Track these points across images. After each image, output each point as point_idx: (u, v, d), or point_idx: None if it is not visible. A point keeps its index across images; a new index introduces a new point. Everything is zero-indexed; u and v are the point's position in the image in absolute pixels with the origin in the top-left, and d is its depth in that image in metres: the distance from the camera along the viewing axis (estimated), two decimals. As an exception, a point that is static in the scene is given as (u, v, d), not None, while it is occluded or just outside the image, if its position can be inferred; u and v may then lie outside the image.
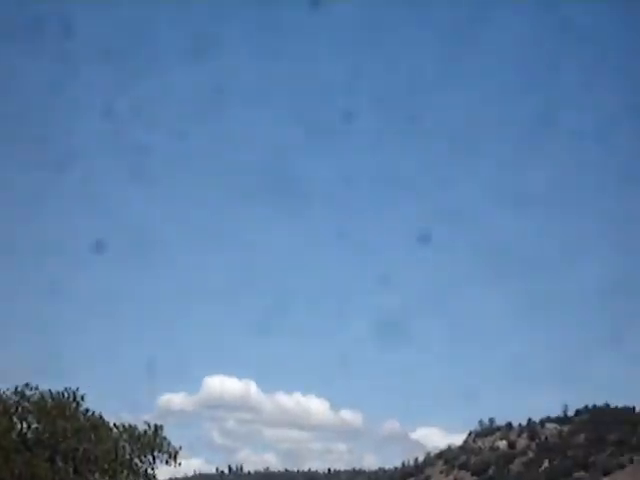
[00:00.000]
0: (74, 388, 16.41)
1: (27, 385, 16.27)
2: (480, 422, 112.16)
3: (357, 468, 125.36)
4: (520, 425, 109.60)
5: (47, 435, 15.86)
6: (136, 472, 16.48)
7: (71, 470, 15.73)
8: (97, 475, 15.79)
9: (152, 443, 16.52)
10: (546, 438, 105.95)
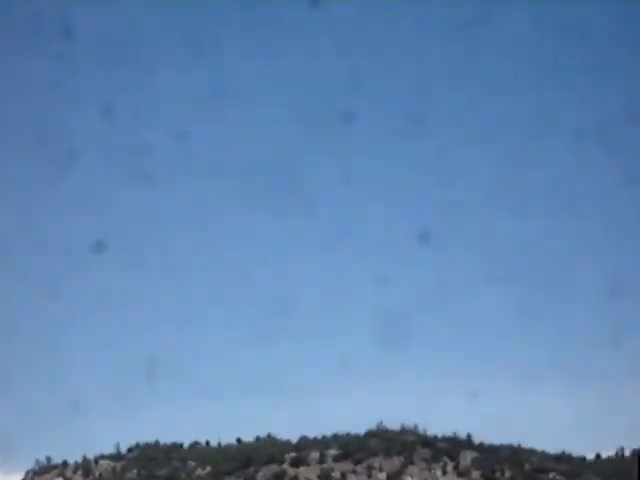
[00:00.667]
0: None
1: None
2: (37, 461, 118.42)
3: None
4: (76, 462, 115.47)
5: None
6: None
7: None
8: None
9: None
10: (100, 474, 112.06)
